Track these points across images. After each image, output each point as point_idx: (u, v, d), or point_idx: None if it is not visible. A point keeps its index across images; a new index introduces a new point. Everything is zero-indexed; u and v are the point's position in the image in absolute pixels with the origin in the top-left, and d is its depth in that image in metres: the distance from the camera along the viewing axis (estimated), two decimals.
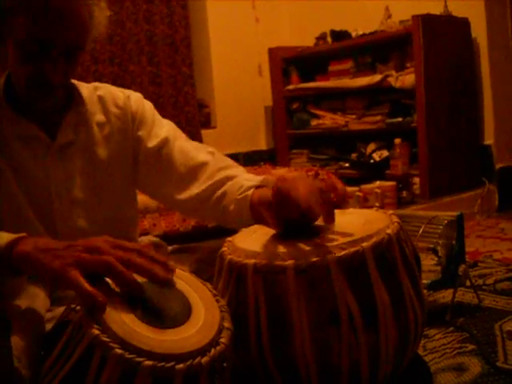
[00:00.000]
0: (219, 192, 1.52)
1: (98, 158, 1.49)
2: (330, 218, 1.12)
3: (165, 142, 1.56)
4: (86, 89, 1.50)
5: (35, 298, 1.19)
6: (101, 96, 1.53)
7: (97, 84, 1.57)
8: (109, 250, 0.95)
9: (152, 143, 1.55)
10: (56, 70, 1.31)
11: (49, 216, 1.41)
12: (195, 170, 1.55)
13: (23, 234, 1.03)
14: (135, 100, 1.57)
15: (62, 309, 1.01)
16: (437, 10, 3.94)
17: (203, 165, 1.55)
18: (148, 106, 1.59)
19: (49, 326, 1.09)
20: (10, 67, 1.37)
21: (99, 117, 1.51)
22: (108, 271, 0.92)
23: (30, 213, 1.39)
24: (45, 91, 1.35)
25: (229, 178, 1.53)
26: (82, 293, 0.88)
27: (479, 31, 3.94)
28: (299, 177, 1.18)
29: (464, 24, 3.95)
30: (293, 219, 1.14)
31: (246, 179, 1.51)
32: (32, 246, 0.99)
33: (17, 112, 1.39)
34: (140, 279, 0.95)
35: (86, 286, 0.89)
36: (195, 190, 1.54)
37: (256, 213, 1.39)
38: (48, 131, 1.42)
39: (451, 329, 1.69)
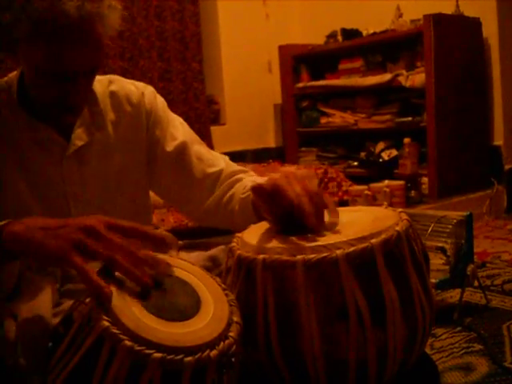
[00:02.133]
0: (228, 195, 1.53)
1: (113, 158, 1.49)
2: (319, 220, 1.13)
3: (183, 147, 1.56)
4: (99, 84, 1.48)
5: (41, 292, 1.19)
6: (113, 92, 1.51)
7: (111, 77, 1.55)
8: (106, 234, 0.94)
9: (170, 147, 1.55)
10: (79, 92, 1.30)
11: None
12: (212, 179, 1.56)
13: (9, 220, 1.01)
14: (149, 97, 1.56)
15: (71, 302, 1.01)
16: (448, 9, 3.92)
17: (219, 173, 1.57)
18: (160, 102, 1.59)
19: (58, 319, 1.09)
20: (29, 83, 1.35)
21: (112, 115, 1.49)
22: (114, 266, 0.92)
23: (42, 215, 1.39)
24: (71, 111, 1.35)
25: (237, 181, 1.54)
26: (87, 281, 0.89)
27: (491, 31, 3.93)
28: (304, 177, 1.18)
29: (475, 24, 3.94)
30: (288, 215, 1.14)
31: (251, 180, 1.52)
32: (23, 226, 0.97)
33: (31, 115, 1.37)
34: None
35: (93, 275, 0.89)
36: (210, 199, 1.55)
37: (258, 211, 1.39)
38: (63, 133, 1.41)
39: (459, 328, 1.69)
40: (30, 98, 1.37)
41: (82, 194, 1.44)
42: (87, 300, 0.91)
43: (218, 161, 1.59)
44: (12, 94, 1.38)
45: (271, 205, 1.18)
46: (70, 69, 1.25)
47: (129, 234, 0.98)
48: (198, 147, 1.59)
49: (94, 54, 1.27)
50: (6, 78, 1.42)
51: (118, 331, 0.83)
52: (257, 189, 1.21)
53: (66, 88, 1.28)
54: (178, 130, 1.58)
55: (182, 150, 1.55)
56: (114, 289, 0.89)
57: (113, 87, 1.52)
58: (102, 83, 1.50)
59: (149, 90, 1.57)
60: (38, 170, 1.40)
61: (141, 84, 1.58)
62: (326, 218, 1.20)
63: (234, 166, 1.61)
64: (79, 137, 1.42)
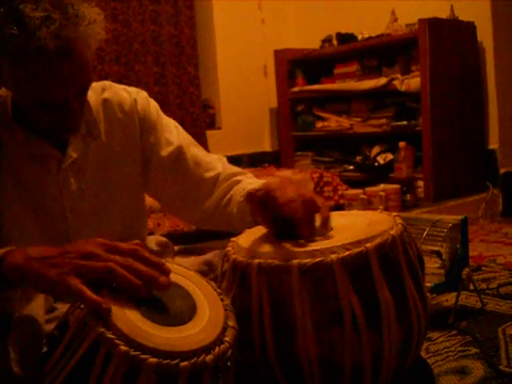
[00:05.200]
0: (226, 198, 1.53)
1: (108, 166, 1.48)
2: (309, 226, 1.15)
3: (179, 152, 1.55)
4: (93, 92, 1.46)
5: (34, 299, 1.19)
6: (106, 99, 1.49)
7: (104, 84, 1.52)
8: (106, 256, 0.93)
9: (165, 151, 1.54)
10: (73, 113, 1.28)
11: (62, 231, 1.40)
12: (210, 183, 1.56)
13: (12, 247, 1.00)
14: (141, 103, 1.54)
15: (65, 306, 1.01)
16: (443, 13, 3.93)
17: (216, 177, 1.56)
18: (153, 107, 1.57)
19: (53, 325, 1.09)
20: (22, 106, 1.32)
21: (105, 123, 1.48)
22: (110, 276, 0.91)
23: (37, 233, 1.38)
24: (67, 130, 1.33)
25: (235, 183, 1.54)
26: (85, 301, 0.88)
27: (485, 35, 3.94)
28: (299, 182, 1.19)
29: (470, 28, 3.95)
30: (282, 220, 1.14)
31: (249, 183, 1.52)
32: (23, 257, 0.95)
33: (26, 130, 1.35)
34: None
35: (89, 293, 0.88)
36: (208, 202, 1.55)
37: (255, 215, 1.39)
38: (58, 145, 1.39)
39: (454, 332, 1.69)
40: (25, 113, 1.34)
41: (79, 205, 1.43)
42: (82, 305, 0.91)
43: (215, 164, 1.58)
44: (6, 108, 1.36)
45: (264, 211, 1.18)
46: (58, 98, 1.23)
47: (129, 257, 0.96)
48: (195, 150, 1.59)
49: (79, 76, 1.24)
50: None
51: (113, 336, 0.83)
52: (249, 197, 1.22)
53: (58, 112, 1.27)
54: (173, 134, 1.57)
55: (179, 154, 1.55)
56: (109, 294, 0.89)
57: (106, 94, 1.50)
58: (96, 91, 1.48)
59: (141, 96, 1.56)
60: (34, 185, 1.39)
61: (133, 89, 1.57)
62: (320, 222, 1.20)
63: (232, 168, 1.60)
64: (75, 148, 1.41)
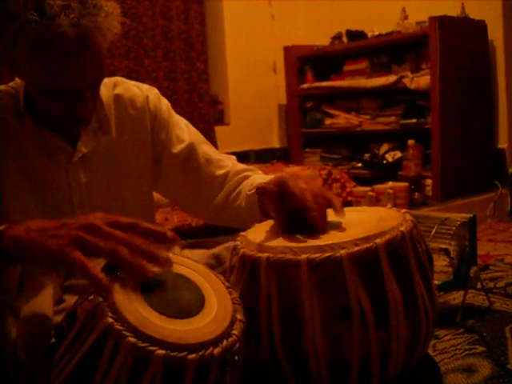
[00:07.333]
0: (235, 192, 1.54)
1: (118, 162, 1.48)
2: (321, 218, 1.16)
3: (191, 149, 1.56)
4: (105, 87, 1.46)
5: (42, 289, 1.19)
6: (118, 95, 1.50)
7: (116, 80, 1.53)
8: (106, 230, 0.92)
9: (177, 148, 1.55)
10: (86, 104, 1.29)
11: None
12: (220, 180, 1.57)
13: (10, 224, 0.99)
14: (153, 100, 1.55)
15: (74, 298, 1.01)
16: (454, 11, 3.92)
17: (226, 173, 1.58)
18: (165, 105, 1.58)
19: (61, 316, 1.09)
20: (33, 97, 1.32)
21: (117, 119, 1.48)
22: (115, 259, 0.91)
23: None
24: (79, 121, 1.33)
25: (244, 178, 1.55)
26: (85, 274, 0.87)
27: (496, 34, 3.92)
28: (309, 177, 1.20)
29: (481, 26, 3.94)
30: (293, 212, 1.15)
31: (258, 177, 1.53)
32: (23, 229, 0.95)
33: (38, 122, 1.36)
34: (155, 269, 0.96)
35: (90, 266, 0.87)
36: (217, 197, 1.56)
37: (264, 209, 1.40)
38: (68, 139, 1.40)
39: (461, 330, 1.69)
40: (37, 105, 1.35)
41: (87, 199, 1.43)
42: (91, 297, 0.91)
43: (226, 162, 1.60)
44: (18, 99, 1.37)
45: (277, 203, 1.19)
46: (73, 86, 1.24)
47: (130, 231, 0.96)
48: (206, 148, 1.60)
49: (95, 67, 1.25)
50: (12, 84, 1.40)
51: (121, 328, 0.83)
52: (261, 189, 1.22)
53: (71, 102, 1.27)
54: (184, 131, 1.58)
55: (190, 151, 1.56)
56: (117, 285, 0.89)
57: (117, 90, 1.51)
58: (108, 87, 1.49)
59: (153, 93, 1.56)
60: (43, 177, 1.39)
61: (145, 86, 1.57)
62: (331, 217, 1.20)
63: (242, 166, 1.62)
64: (85, 143, 1.41)
